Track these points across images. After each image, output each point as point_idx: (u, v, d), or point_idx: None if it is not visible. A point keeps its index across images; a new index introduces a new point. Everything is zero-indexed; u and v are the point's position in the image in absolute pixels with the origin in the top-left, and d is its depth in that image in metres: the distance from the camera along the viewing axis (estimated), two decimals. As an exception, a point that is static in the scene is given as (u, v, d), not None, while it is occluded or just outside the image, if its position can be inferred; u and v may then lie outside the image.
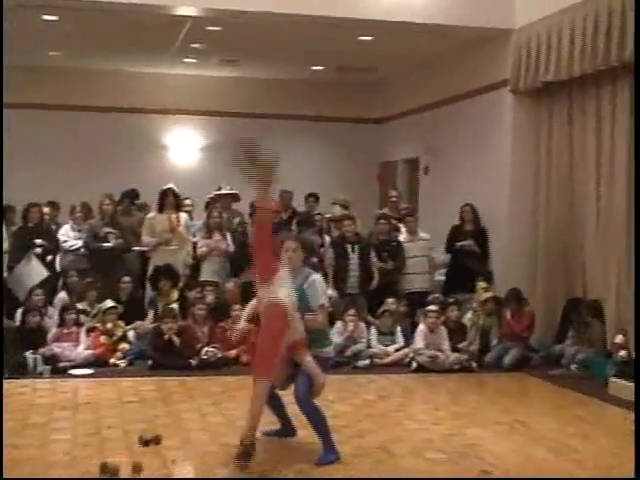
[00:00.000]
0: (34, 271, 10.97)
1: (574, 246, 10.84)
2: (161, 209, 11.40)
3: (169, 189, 11.43)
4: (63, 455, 6.37)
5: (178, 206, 11.46)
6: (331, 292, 10.92)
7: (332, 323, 10.59)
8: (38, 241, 11.09)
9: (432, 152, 13.87)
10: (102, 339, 10.05)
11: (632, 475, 5.48)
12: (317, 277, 6.77)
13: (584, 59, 9.81)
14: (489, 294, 10.79)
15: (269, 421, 6.85)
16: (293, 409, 6.71)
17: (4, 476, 4.77)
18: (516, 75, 11.21)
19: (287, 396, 6.75)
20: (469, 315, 10.74)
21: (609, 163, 10.05)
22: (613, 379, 8.88)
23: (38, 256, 11.03)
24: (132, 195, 12.67)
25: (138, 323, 10.57)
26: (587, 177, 10.51)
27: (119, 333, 10.24)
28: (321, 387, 6.47)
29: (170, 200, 11.34)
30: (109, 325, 10.22)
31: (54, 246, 11.41)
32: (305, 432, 6.86)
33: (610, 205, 10.03)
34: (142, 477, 5.85)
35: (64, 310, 10.17)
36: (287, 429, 6.96)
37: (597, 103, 10.26)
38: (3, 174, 11.38)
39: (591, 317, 10.04)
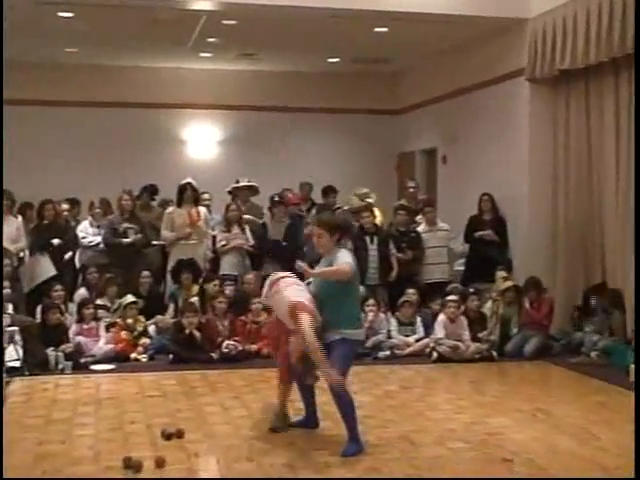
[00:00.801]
0: (41, 268, 11.06)
1: (593, 234, 10.80)
2: (180, 204, 11.44)
3: (188, 184, 11.47)
4: (87, 450, 6.42)
5: (197, 200, 11.50)
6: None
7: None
8: (55, 241, 11.17)
9: (450, 142, 13.85)
10: (123, 334, 10.11)
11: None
12: (343, 250, 6.63)
13: (600, 46, 9.77)
14: (509, 283, 10.77)
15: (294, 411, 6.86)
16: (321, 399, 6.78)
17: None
18: (532, 64, 11.17)
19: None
20: (489, 305, 10.74)
21: (627, 150, 10.00)
22: (633, 366, 8.84)
23: (53, 253, 11.11)
24: (151, 190, 12.71)
25: (159, 318, 10.62)
26: (605, 165, 10.47)
27: (140, 328, 10.31)
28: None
29: (189, 194, 11.38)
30: (130, 320, 10.28)
31: (72, 243, 11.49)
32: (328, 423, 6.90)
33: (629, 192, 9.97)
34: (163, 474, 5.90)
35: (82, 305, 10.23)
36: (310, 420, 6.97)
37: (614, 90, 10.21)
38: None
39: (611, 306, 10.02)
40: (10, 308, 9.81)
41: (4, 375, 8.33)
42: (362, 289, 10.82)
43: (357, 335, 6.60)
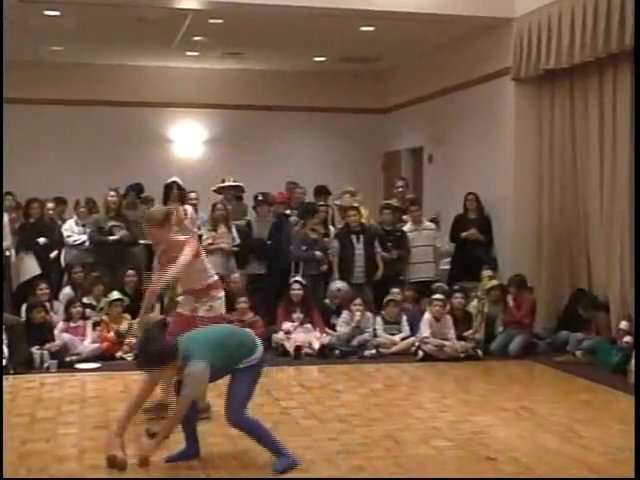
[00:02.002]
0: (26, 267, 11.06)
1: (578, 233, 10.84)
2: (166, 202, 11.40)
3: (173, 182, 11.42)
4: (72, 448, 6.41)
5: (183, 199, 11.47)
6: (340, 284, 10.97)
7: (339, 313, 10.67)
8: (41, 240, 11.16)
9: (436, 141, 13.87)
10: (109, 335, 10.07)
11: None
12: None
13: (585, 46, 9.81)
14: (494, 282, 10.81)
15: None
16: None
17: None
18: (517, 63, 11.21)
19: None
20: (474, 303, 10.76)
21: (612, 150, 10.05)
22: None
23: (38, 252, 11.10)
24: (137, 189, 12.68)
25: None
26: (590, 164, 10.51)
27: (125, 326, 10.29)
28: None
29: (174, 193, 11.34)
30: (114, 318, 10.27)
31: (58, 242, 11.47)
32: (313, 421, 6.90)
33: (614, 191, 10.04)
34: (148, 474, 5.90)
35: (69, 304, 10.21)
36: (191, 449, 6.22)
37: (599, 90, 10.26)
38: (3, 171, 11.38)
39: (591, 311, 10.08)
40: (-3, 307, 9.82)
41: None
42: (344, 285, 10.90)
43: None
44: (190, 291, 7.29)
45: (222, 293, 7.37)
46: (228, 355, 5.88)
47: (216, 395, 6.92)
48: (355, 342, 10.33)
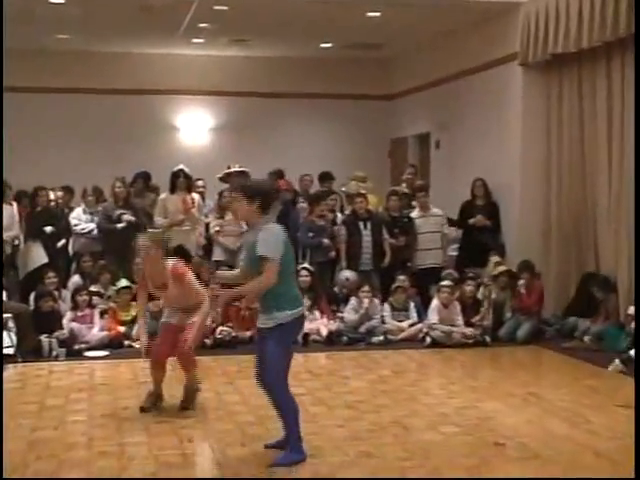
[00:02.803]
0: (34, 256, 11.10)
1: (586, 218, 10.82)
2: (173, 190, 11.42)
3: (180, 170, 11.44)
4: (81, 436, 6.45)
5: (190, 187, 11.48)
6: (349, 273, 10.95)
7: (347, 302, 10.66)
8: (48, 228, 11.19)
9: (443, 127, 13.84)
10: (116, 323, 10.10)
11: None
12: (268, 228, 5.75)
13: (593, 30, 9.76)
14: (502, 268, 10.79)
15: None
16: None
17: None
18: (525, 48, 11.16)
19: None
20: (481, 289, 10.74)
21: (620, 135, 10.02)
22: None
23: (45, 241, 11.13)
24: (145, 177, 12.69)
25: (152, 303, 10.60)
26: (598, 150, 10.48)
27: (133, 313, 10.30)
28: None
29: (181, 181, 11.36)
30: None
31: (65, 230, 11.48)
32: (321, 408, 6.90)
33: (621, 176, 10.01)
34: (158, 458, 5.93)
35: (76, 292, 10.23)
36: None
37: (607, 74, 10.22)
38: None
39: (604, 293, 10.05)
40: (4, 295, 9.82)
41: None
42: (352, 275, 10.89)
43: (292, 315, 5.78)
44: (182, 308, 7.21)
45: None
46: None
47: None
48: (363, 329, 10.33)
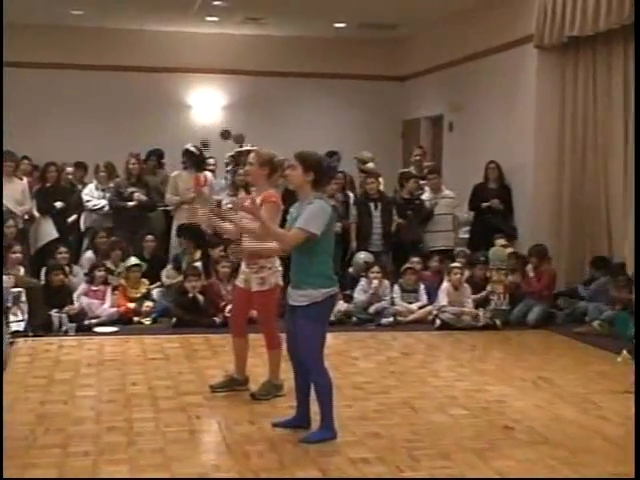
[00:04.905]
0: (44, 231, 11.18)
1: (599, 203, 10.77)
2: (185, 168, 11.43)
3: (193, 147, 11.45)
4: (89, 410, 6.46)
5: (201, 165, 11.46)
6: (365, 255, 10.90)
7: (355, 282, 10.62)
8: (58, 204, 11.21)
9: (456, 109, 13.76)
10: (126, 299, 10.12)
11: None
12: (316, 203, 5.73)
13: (610, 13, 9.66)
14: (509, 250, 10.75)
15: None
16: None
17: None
18: (541, 30, 11.05)
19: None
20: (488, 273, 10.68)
21: (635, 119, 9.94)
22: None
23: (55, 216, 11.15)
24: (158, 154, 12.71)
25: (166, 273, 10.70)
26: (613, 133, 10.42)
27: (143, 290, 10.33)
28: None
29: (193, 160, 11.36)
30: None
31: (76, 206, 11.49)
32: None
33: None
34: (166, 433, 5.94)
35: (94, 268, 10.23)
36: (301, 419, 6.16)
37: (623, 57, 10.17)
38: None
39: (615, 277, 10.00)
40: (22, 270, 9.85)
41: (7, 336, 8.33)
42: (369, 257, 10.84)
43: (327, 294, 5.77)
44: (248, 254, 6.89)
45: (275, 262, 6.89)
46: None
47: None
48: (372, 310, 10.30)
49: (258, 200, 6.39)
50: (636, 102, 9.30)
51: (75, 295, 9.92)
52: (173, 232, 11.37)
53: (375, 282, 10.36)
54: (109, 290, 10.14)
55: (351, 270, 10.97)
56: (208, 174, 11.52)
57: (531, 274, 10.53)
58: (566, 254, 11.11)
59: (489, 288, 10.39)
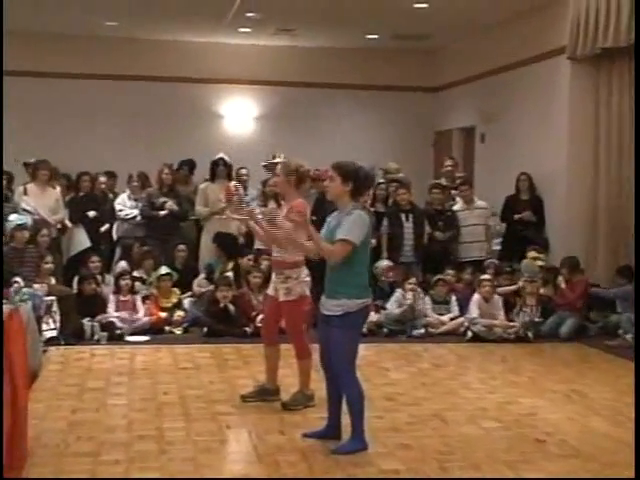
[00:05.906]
0: (76, 240, 11.29)
1: (633, 214, 10.67)
2: (212, 179, 11.49)
3: (220, 159, 11.52)
4: (121, 419, 6.49)
5: (229, 175, 11.50)
6: (385, 262, 10.88)
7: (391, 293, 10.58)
8: (91, 213, 11.30)
9: (489, 120, 13.72)
10: (158, 309, 10.16)
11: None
12: (355, 214, 5.74)
13: (645, 24, 9.61)
14: (540, 263, 10.70)
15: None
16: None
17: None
18: (574, 42, 10.97)
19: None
20: (521, 284, 10.62)
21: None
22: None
23: (88, 226, 11.23)
24: (190, 164, 12.79)
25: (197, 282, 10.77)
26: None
27: (174, 300, 10.36)
28: None
29: (221, 170, 11.42)
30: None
31: (109, 215, 11.58)
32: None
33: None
34: (197, 443, 5.94)
35: (120, 276, 10.29)
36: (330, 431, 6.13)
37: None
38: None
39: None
40: (53, 280, 9.92)
41: (40, 344, 8.38)
42: (388, 263, 10.79)
43: (360, 305, 5.78)
44: (276, 261, 6.98)
45: (302, 273, 6.93)
46: None
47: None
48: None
49: (285, 210, 6.40)
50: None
51: (109, 309, 9.95)
52: (203, 242, 11.43)
53: (410, 294, 10.30)
54: (139, 299, 10.19)
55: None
56: (237, 183, 11.53)
57: (562, 285, 10.47)
58: (601, 265, 11.01)
59: (534, 302, 10.35)
